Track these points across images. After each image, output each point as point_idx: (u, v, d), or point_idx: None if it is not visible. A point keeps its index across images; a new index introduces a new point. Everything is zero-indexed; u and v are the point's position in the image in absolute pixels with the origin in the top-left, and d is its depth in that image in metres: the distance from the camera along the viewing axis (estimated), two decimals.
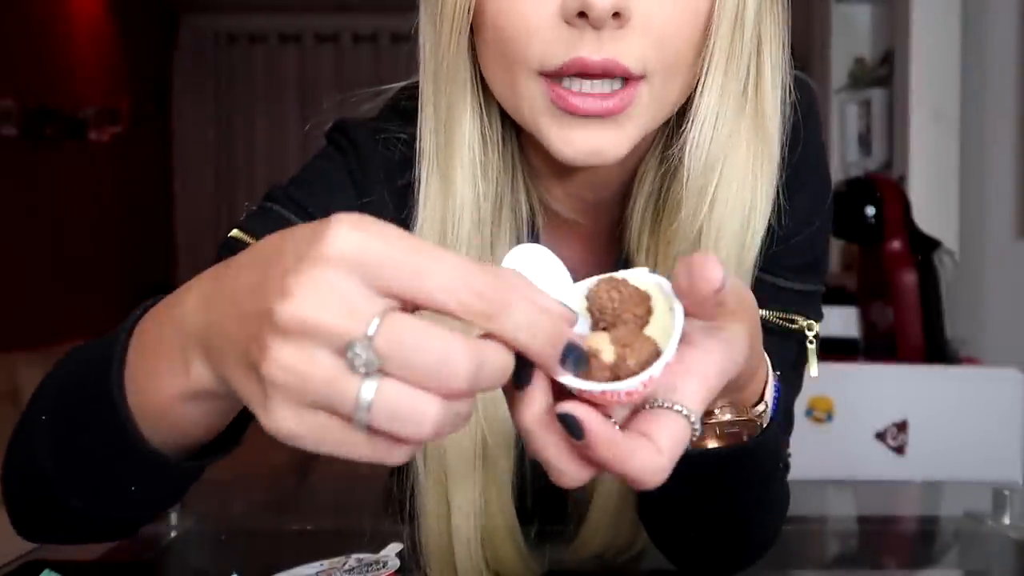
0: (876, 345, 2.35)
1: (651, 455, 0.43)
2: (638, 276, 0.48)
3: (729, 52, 0.66)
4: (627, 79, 0.63)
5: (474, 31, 0.67)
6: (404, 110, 0.76)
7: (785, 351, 0.75)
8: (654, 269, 0.48)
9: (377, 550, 0.77)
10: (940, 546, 1.08)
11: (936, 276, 2.28)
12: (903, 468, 1.93)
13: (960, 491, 1.32)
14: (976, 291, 2.52)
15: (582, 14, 0.60)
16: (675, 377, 0.45)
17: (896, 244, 2.28)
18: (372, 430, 0.39)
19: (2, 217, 4.37)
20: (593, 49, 0.61)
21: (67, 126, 5.03)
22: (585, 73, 0.62)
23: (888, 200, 2.30)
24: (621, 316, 0.46)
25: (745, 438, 0.59)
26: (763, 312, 0.73)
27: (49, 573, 0.75)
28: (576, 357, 0.42)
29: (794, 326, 0.75)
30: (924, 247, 2.30)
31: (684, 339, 0.45)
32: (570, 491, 0.46)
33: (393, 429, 0.39)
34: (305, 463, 3.14)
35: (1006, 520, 1.00)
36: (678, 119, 0.69)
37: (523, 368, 0.42)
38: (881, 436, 1.96)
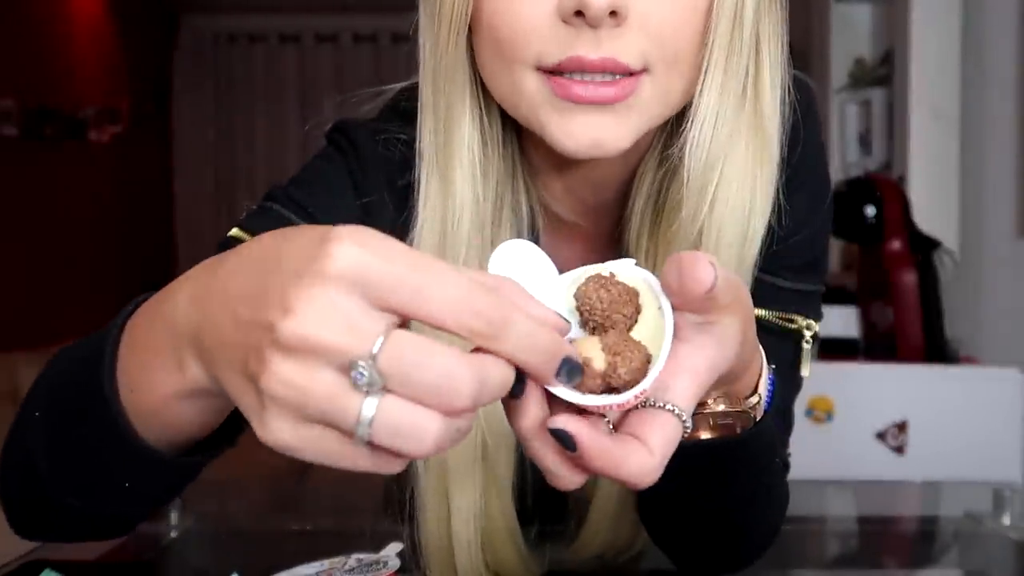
0: (876, 345, 2.35)
1: (643, 458, 0.44)
2: (625, 270, 0.48)
3: (728, 50, 0.65)
4: (628, 74, 0.63)
5: (472, 31, 0.67)
6: (404, 111, 0.76)
7: (784, 351, 0.75)
8: (654, 271, 0.48)
9: (377, 550, 0.77)
10: (940, 546, 1.08)
11: (936, 276, 2.28)
12: (903, 468, 1.93)
13: (960, 491, 1.32)
14: (976, 291, 2.52)
15: (579, 13, 0.60)
16: (666, 375, 0.46)
17: (896, 244, 2.28)
18: (372, 444, 0.39)
19: (2, 217, 4.37)
20: (591, 48, 0.61)
21: (67, 126, 5.04)
22: (584, 71, 0.62)
23: (888, 200, 2.30)
24: (610, 317, 0.46)
25: (739, 430, 0.59)
26: (762, 312, 0.74)
27: (49, 573, 0.75)
28: (570, 368, 0.43)
29: (793, 326, 0.75)
30: (924, 247, 2.30)
31: (675, 335, 0.46)
32: (570, 492, 0.47)
33: (394, 445, 0.39)
34: (305, 464, 3.13)
35: (1006, 520, 1.00)
36: (677, 119, 0.69)
37: (517, 379, 0.42)
38: (881, 436, 1.96)
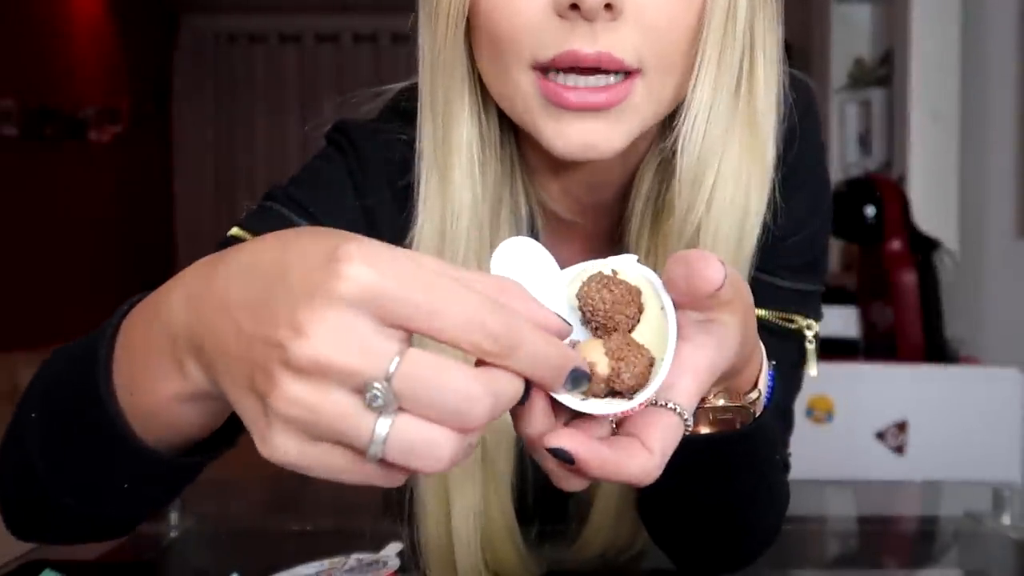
0: (876, 345, 2.35)
1: (643, 460, 0.44)
2: (626, 267, 0.48)
3: (722, 45, 0.66)
4: (624, 75, 0.63)
5: (470, 28, 0.67)
6: (404, 111, 0.76)
7: (785, 351, 0.75)
8: (654, 271, 0.48)
9: (377, 550, 0.78)
10: (940, 546, 1.08)
11: (936, 276, 2.28)
12: (903, 468, 1.93)
13: (960, 491, 1.32)
14: (976, 291, 2.52)
15: (574, 6, 0.60)
16: (669, 374, 0.46)
17: (896, 244, 2.28)
18: (383, 461, 0.39)
19: (2, 217, 4.37)
20: (586, 42, 0.61)
21: (67, 126, 5.04)
22: (578, 66, 0.62)
23: (888, 200, 2.30)
24: (613, 317, 0.46)
25: (738, 425, 0.59)
26: (762, 312, 0.74)
27: (49, 573, 0.75)
28: (576, 377, 0.43)
29: (793, 326, 0.75)
30: (924, 247, 2.30)
31: (677, 334, 0.46)
32: (572, 492, 0.47)
33: (408, 463, 0.39)
34: None
35: (1006, 520, 1.00)
36: (674, 117, 0.69)
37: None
38: (881, 436, 1.96)
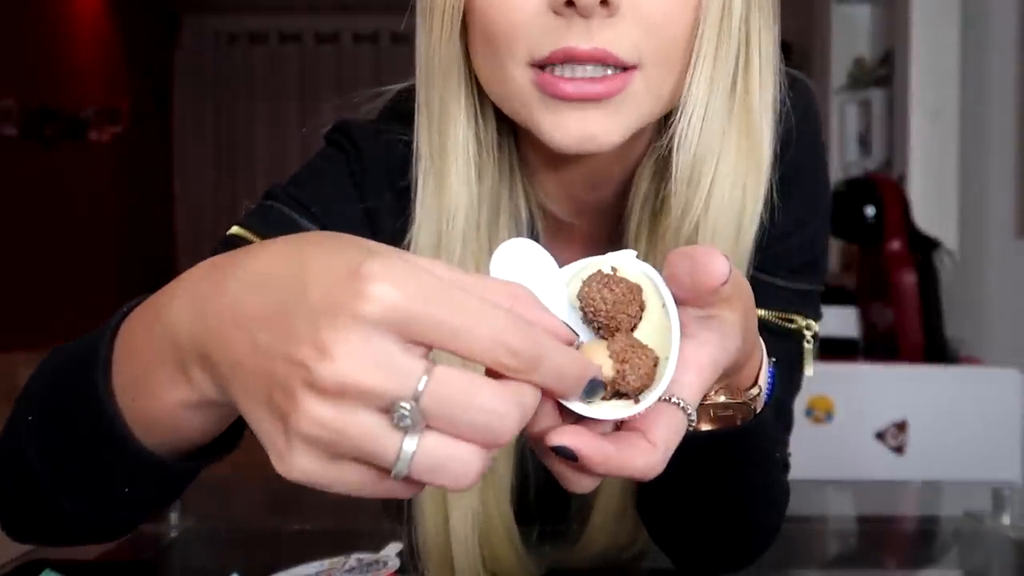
0: (876, 345, 2.35)
1: (647, 455, 0.44)
2: (626, 263, 0.48)
3: (718, 41, 0.65)
4: (622, 69, 0.63)
5: (466, 27, 0.67)
6: (403, 112, 0.76)
7: (784, 351, 0.75)
8: (657, 268, 0.48)
9: (377, 550, 0.78)
10: (940, 546, 1.08)
11: (936, 276, 2.28)
12: (903, 468, 1.93)
13: (960, 491, 1.32)
14: (976, 291, 2.52)
15: (570, 3, 0.60)
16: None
17: (896, 244, 2.29)
18: (407, 478, 0.39)
19: (2, 217, 4.37)
20: (582, 39, 0.61)
21: (67, 126, 5.04)
22: (574, 61, 0.62)
23: (888, 200, 2.31)
24: (615, 317, 0.46)
25: (738, 421, 0.59)
26: (762, 312, 0.73)
27: (49, 573, 0.75)
28: (592, 387, 0.43)
29: (793, 326, 0.75)
30: (924, 247, 2.30)
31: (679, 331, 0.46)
32: (573, 492, 0.47)
33: (435, 480, 0.39)
34: None
35: (1006, 520, 1.00)
36: (671, 117, 0.69)
37: None
38: (881, 436, 1.96)
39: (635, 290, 0.47)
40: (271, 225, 0.72)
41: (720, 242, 0.69)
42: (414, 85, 0.73)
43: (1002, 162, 2.46)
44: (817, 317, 0.77)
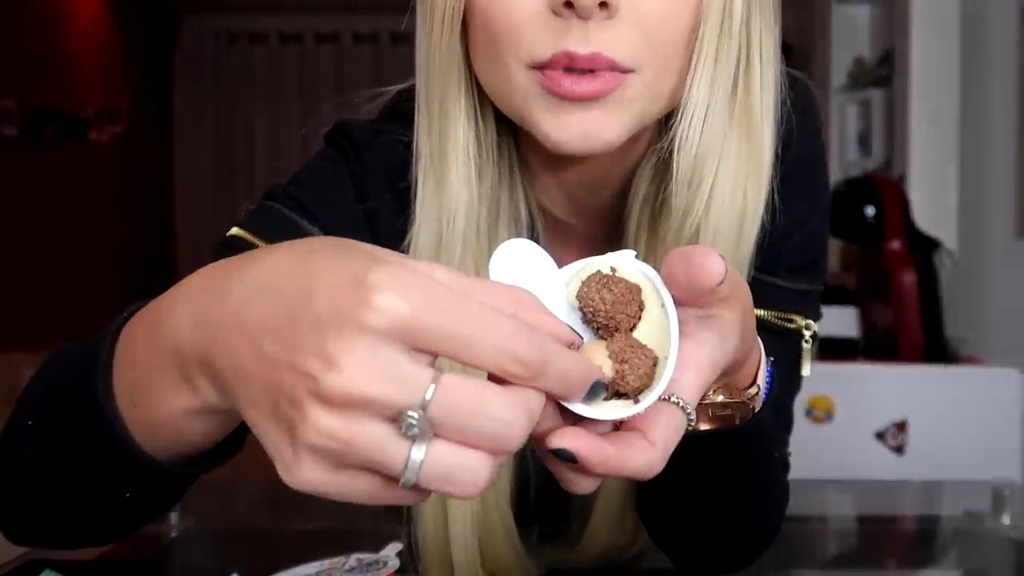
0: (876, 345, 2.35)
1: (646, 455, 0.44)
2: (625, 263, 0.48)
3: (718, 43, 0.65)
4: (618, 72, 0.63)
5: (466, 27, 0.67)
6: (403, 112, 0.76)
7: (784, 351, 0.75)
8: (656, 269, 0.48)
9: (377, 550, 0.78)
10: (940, 546, 1.08)
11: (936, 276, 2.29)
12: (903, 468, 1.93)
13: (960, 491, 1.32)
14: (976, 291, 2.52)
15: (569, 4, 0.60)
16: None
17: (896, 244, 2.29)
18: (415, 486, 0.39)
19: (2, 217, 4.37)
20: (581, 41, 0.61)
21: (67, 126, 5.04)
22: (573, 66, 0.62)
23: (888, 200, 2.31)
24: (614, 318, 0.46)
25: (737, 421, 0.59)
26: (761, 312, 0.74)
27: (49, 573, 0.75)
28: (594, 389, 0.43)
29: (792, 326, 0.75)
30: (924, 247, 2.30)
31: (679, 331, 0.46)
32: (573, 493, 0.47)
33: (443, 488, 0.39)
34: None
35: (1006, 520, 1.00)
36: (671, 118, 0.69)
37: None
38: (881, 436, 1.96)
39: (634, 290, 0.47)
40: (271, 226, 0.72)
41: (721, 245, 0.69)
42: (414, 85, 0.73)
43: (1002, 162, 2.46)
44: (817, 317, 0.77)
